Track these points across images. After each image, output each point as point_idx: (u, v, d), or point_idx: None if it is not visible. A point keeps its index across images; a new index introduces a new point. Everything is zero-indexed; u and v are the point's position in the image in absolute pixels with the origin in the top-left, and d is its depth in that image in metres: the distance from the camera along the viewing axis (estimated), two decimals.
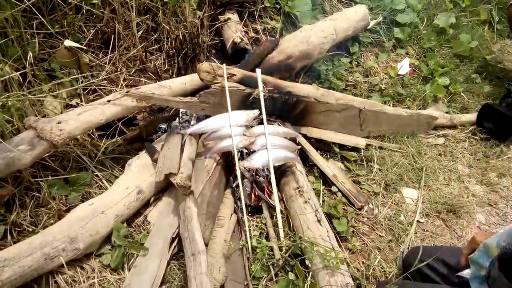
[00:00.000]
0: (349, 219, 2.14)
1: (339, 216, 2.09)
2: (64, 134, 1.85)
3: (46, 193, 1.88)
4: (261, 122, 2.22)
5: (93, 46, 2.74)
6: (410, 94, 3.12)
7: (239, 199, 2.05)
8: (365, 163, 2.54)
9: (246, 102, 2.25)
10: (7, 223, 1.80)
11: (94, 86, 2.59)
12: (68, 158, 2.11)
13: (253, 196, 2.14)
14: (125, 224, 1.95)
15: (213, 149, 2.13)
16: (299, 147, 2.32)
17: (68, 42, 2.29)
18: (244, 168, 2.10)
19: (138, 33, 2.86)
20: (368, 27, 3.39)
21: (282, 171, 2.22)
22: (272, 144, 2.10)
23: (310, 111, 2.46)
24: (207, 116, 2.25)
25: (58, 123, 1.87)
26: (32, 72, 2.26)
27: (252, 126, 2.23)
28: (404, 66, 3.32)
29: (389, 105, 3.02)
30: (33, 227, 1.84)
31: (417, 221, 2.24)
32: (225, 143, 2.11)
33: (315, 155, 2.37)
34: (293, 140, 2.32)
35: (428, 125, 2.86)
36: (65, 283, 1.72)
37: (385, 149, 2.64)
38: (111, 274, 1.82)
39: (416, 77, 3.28)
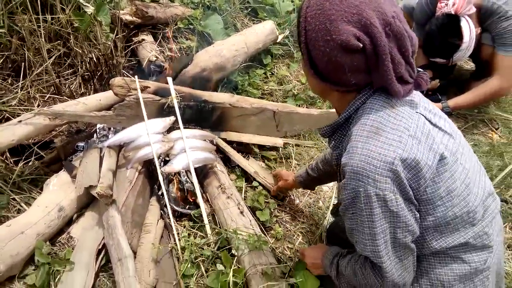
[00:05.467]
0: (272, 210, 2.27)
1: (262, 208, 2.21)
2: None
3: None
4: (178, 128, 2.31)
5: (2, 74, 2.69)
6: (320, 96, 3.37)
7: (165, 205, 2.10)
8: (284, 160, 2.71)
9: (163, 112, 2.33)
10: None
11: (7, 115, 2.53)
12: None
13: (179, 199, 2.20)
14: (48, 243, 1.91)
15: (133, 159, 2.17)
16: (215, 147, 2.42)
17: None
18: (166, 173, 2.16)
19: (50, 60, 2.85)
20: (277, 41, 3.65)
21: (204, 173, 2.31)
22: (190, 147, 2.19)
23: (227, 116, 2.60)
24: (124, 128, 2.29)
25: None
26: None
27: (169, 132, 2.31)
28: None
29: (302, 107, 3.26)
30: None
31: (333, 204, 2.43)
32: (144, 151, 2.16)
33: (236, 155, 2.49)
34: (211, 142, 2.43)
35: None
36: None
37: (301, 146, 2.84)
38: None
39: None
